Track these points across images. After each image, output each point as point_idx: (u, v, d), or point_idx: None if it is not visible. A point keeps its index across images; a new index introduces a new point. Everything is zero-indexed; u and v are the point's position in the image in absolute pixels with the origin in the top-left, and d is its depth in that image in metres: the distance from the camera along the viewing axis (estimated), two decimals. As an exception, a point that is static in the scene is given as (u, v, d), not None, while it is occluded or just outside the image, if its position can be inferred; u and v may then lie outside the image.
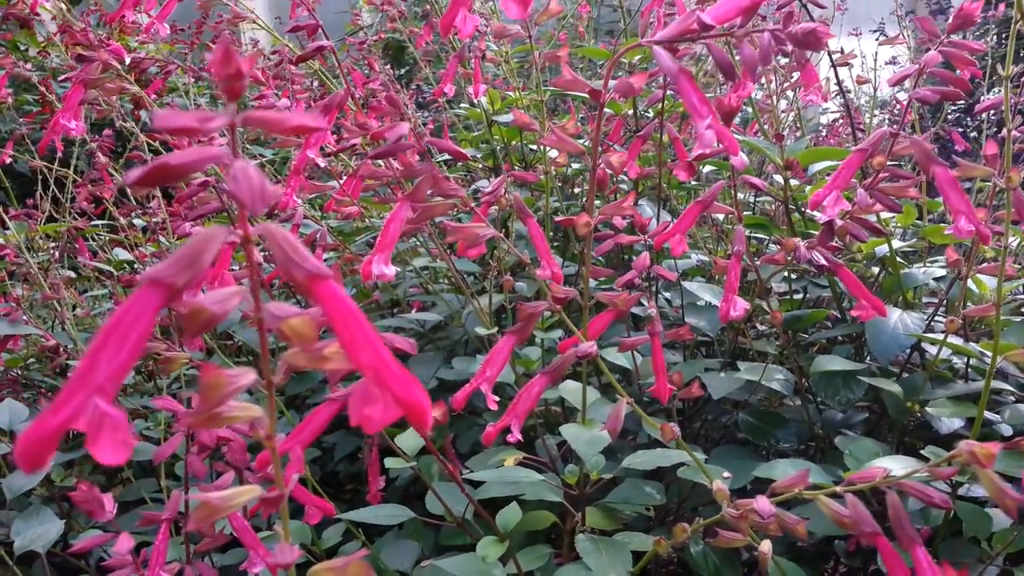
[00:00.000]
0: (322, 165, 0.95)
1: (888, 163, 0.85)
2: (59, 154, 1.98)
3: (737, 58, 0.76)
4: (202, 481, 0.86)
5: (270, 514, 1.17)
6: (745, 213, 1.44)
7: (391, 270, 0.75)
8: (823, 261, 0.91)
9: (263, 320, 0.42)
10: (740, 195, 1.44)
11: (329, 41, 0.90)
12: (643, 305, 1.32)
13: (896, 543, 0.66)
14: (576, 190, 1.73)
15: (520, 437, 0.75)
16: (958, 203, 0.77)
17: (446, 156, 1.59)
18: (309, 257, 0.38)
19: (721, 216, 1.42)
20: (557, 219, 0.74)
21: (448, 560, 0.91)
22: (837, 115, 2.12)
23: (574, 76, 0.68)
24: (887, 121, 1.67)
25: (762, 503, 0.68)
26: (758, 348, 1.26)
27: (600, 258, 1.47)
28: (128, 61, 1.13)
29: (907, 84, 0.82)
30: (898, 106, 1.77)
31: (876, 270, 1.33)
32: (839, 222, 0.87)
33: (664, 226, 0.88)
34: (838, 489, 0.67)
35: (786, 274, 1.31)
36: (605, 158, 0.70)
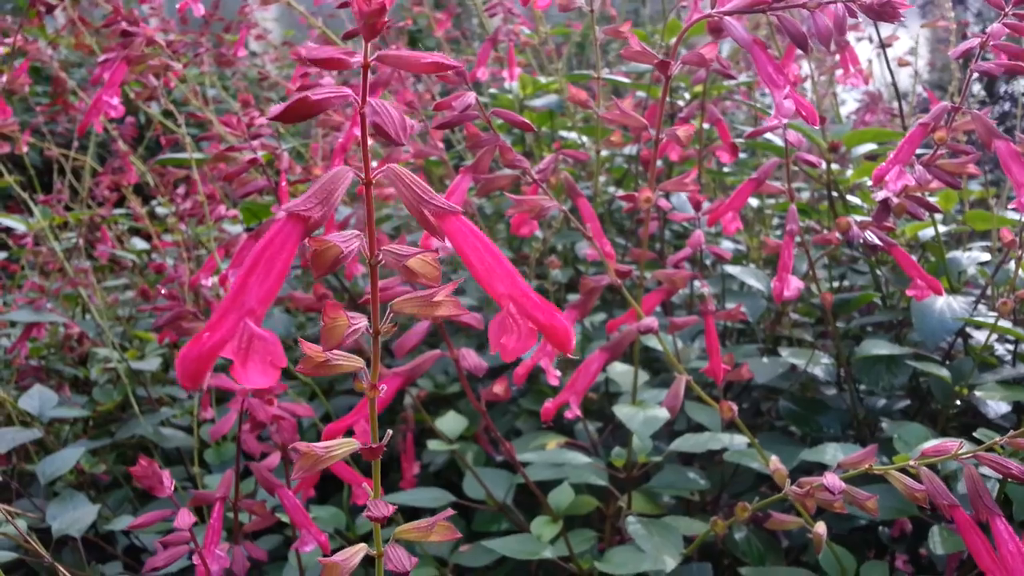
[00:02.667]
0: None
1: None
2: (76, 143, 1.97)
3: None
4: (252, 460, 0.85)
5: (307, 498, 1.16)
6: (781, 200, 1.44)
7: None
8: (876, 241, 0.90)
9: (376, 265, 0.41)
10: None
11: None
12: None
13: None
14: (602, 178, 1.72)
15: (579, 413, 0.74)
16: (1022, 176, 0.76)
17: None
18: (437, 196, 0.38)
19: (755, 202, 1.41)
20: (618, 195, 0.73)
21: (498, 541, 0.90)
22: (858, 104, 2.11)
23: (643, 47, 0.67)
24: (916, 109, 1.66)
25: (832, 479, 0.67)
26: (797, 336, 1.25)
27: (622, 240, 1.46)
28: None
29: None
30: (924, 93, 1.76)
31: (914, 258, 1.32)
32: (895, 200, 0.86)
33: (718, 204, 0.87)
34: (911, 463, 0.66)
35: (825, 261, 1.30)
36: (671, 131, 0.69)
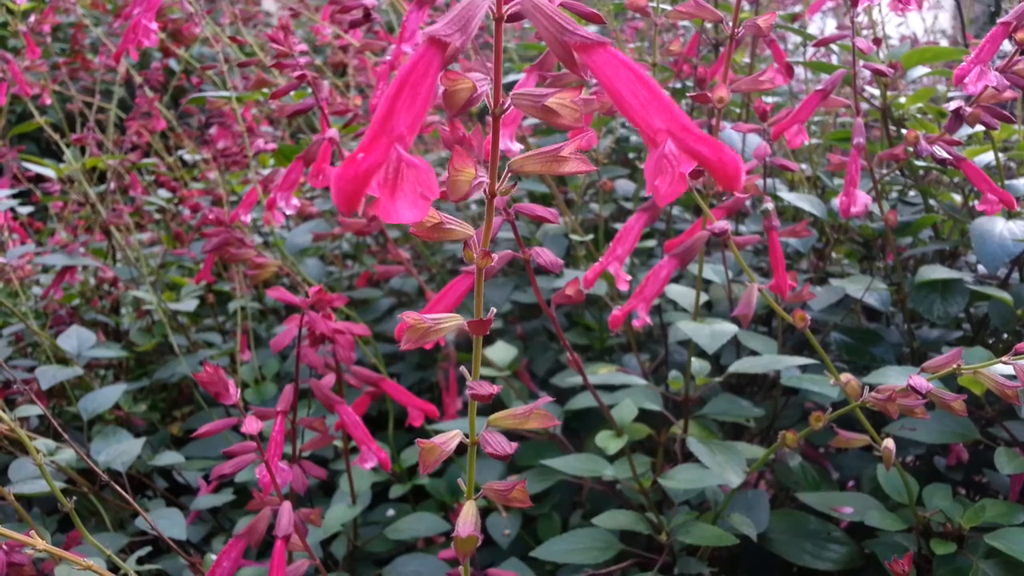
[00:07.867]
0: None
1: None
2: (98, 96, 1.95)
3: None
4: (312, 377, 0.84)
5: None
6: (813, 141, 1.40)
7: (516, 147, 0.72)
8: (945, 154, 0.87)
9: (500, 115, 0.39)
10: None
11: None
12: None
13: None
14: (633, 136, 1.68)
15: (648, 320, 0.72)
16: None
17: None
18: (581, 27, 0.35)
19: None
20: (690, 95, 0.71)
21: (559, 460, 0.89)
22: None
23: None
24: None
25: (918, 380, 0.65)
26: (845, 272, 1.23)
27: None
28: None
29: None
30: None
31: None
32: (968, 109, 0.84)
33: (786, 113, 0.84)
34: (1004, 359, 0.64)
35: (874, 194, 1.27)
36: (751, 21, 0.67)
